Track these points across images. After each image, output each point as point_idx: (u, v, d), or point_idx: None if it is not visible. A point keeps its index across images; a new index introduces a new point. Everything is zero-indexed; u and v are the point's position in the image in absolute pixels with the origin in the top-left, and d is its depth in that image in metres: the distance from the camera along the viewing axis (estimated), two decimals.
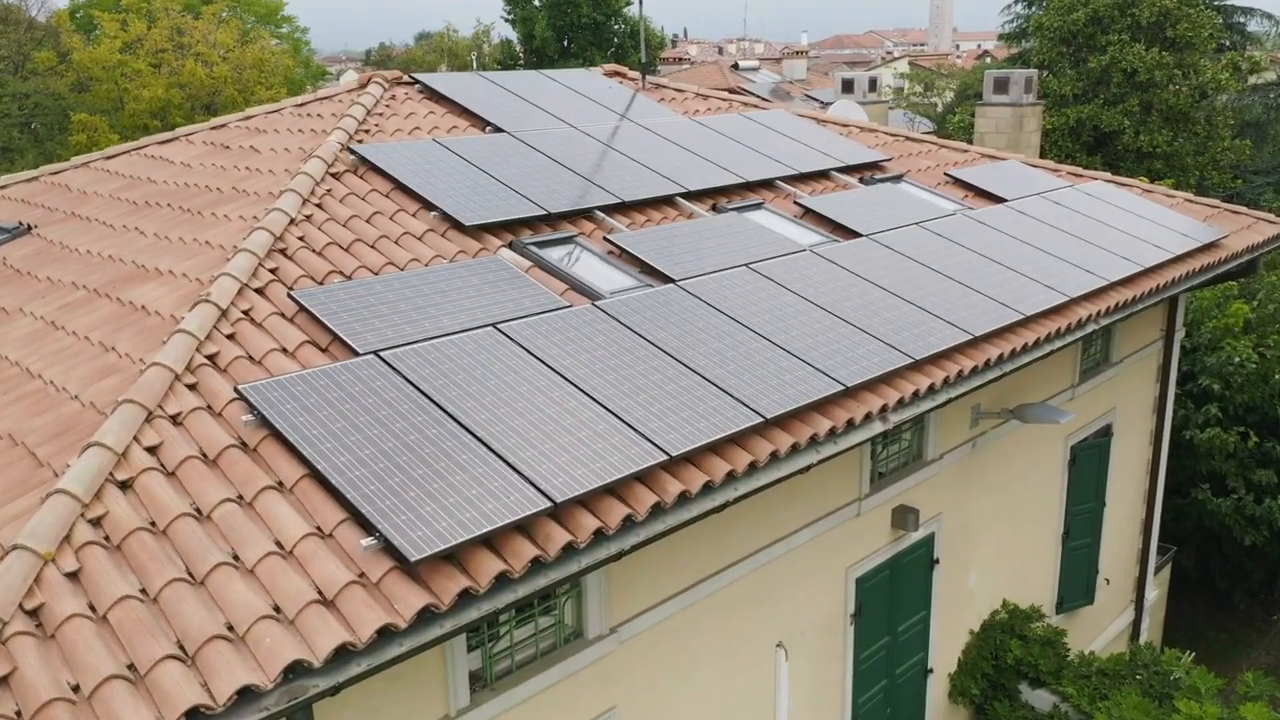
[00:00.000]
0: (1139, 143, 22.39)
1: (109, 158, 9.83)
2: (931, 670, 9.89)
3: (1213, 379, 15.42)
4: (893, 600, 9.24)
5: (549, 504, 5.14)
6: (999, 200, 10.88)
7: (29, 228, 8.69)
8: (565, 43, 40.58)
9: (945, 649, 10.07)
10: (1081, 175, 12.44)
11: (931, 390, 7.29)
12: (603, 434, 5.74)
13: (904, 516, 8.93)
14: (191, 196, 8.26)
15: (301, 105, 9.87)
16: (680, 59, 63.59)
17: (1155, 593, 14.14)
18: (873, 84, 18.25)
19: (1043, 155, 23.42)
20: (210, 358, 5.83)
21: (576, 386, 6.12)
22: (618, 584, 6.69)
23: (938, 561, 9.64)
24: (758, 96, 41.99)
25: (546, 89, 11.01)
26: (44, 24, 27.85)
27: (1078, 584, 11.97)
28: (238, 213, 7.54)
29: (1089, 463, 11.64)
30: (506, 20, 41.81)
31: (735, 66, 47.86)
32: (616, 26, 41.02)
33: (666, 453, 5.73)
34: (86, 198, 8.97)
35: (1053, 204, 10.97)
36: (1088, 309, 8.93)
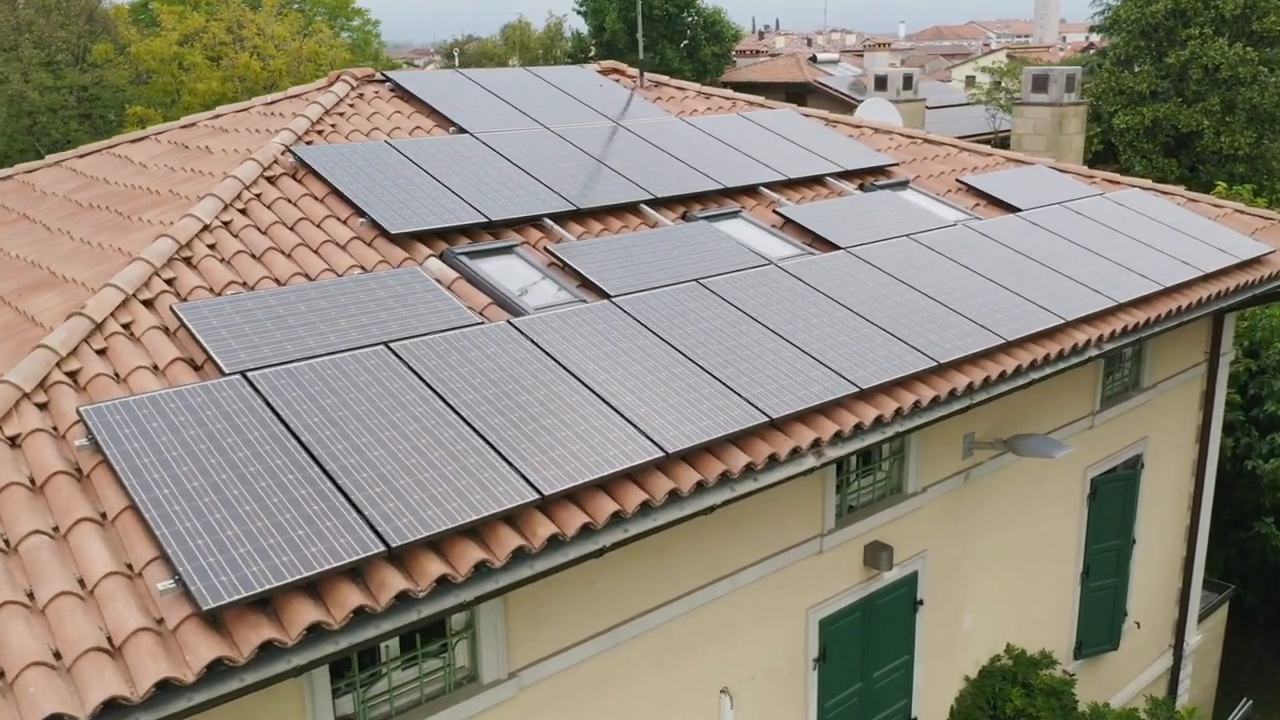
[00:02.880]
0: (1219, 144, 20.77)
1: (81, 156, 9.74)
2: (916, 719, 9.15)
3: None
4: (866, 644, 8.53)
5: (383, 548, 4.69)
6: (1012, 210, 10.01)
7: None
8: (636, 34, 40.14)
9: (933, 697, 9.31)
10: (1118, 182, 11.43)
11: (879, 423, 6.61)
12: (471, 469, 5.27)
13: (876, 554, 8.23)
14: (132, 199, 8.06)
15: (271, 104, 9.62)
16: (758, 51, 62.37)
17: (1200, 637, 12.99)
18: (907, 81, 17.26)
19: (1117, 156, 22.03)
20: (71, 374, 5.55)
21: (458, 414, 5.65)
22: (519, 623, 6.20)
23: (921, 602, 8.89)
24: (835, 90, 40.90)
25: (530, 89, 10.55)
26: (105, 13, 28.58)
27: (1100, 628, 11.02)
28: (160, 217, 7.29)
29: (1113, 496, 10.68)
30: (578, 12, 41.57)
31: (813, 59, 46.61)
32: (689, 18, 40.38)
33: (539, 491, 5.23)
34: (44, 198, 8.88)
35: (1073, 214, 10.06)
36: (1088, 333, 8.08)
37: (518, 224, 7.95)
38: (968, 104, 35.52)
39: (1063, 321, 7.98)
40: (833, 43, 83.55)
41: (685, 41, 40.65)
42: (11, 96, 24.28)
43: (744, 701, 7.66)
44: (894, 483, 8.57)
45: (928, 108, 32.84)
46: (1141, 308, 8.63)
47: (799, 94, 40.11)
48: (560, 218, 8.16)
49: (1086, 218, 10.05)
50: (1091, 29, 33.68)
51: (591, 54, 41.90)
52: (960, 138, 17.30)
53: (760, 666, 7.77)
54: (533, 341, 6.44)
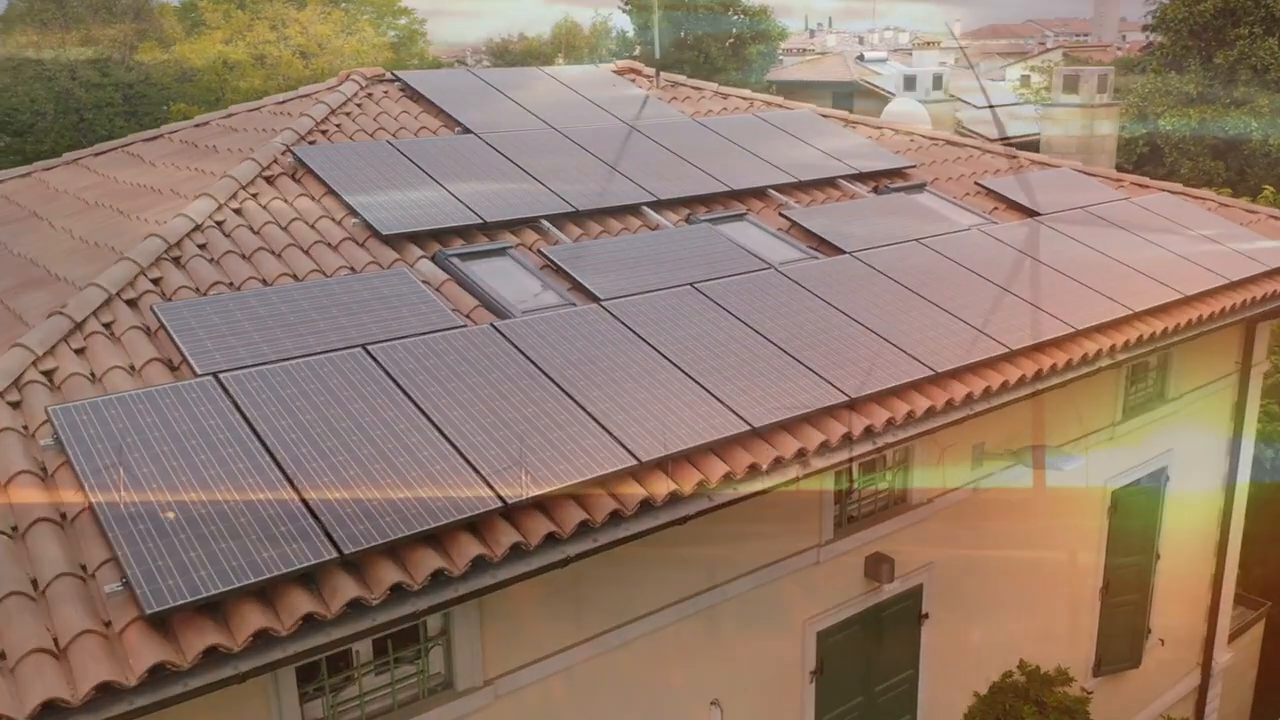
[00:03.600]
0: (1268, 147, 20.08)
1: (97, 154, 9.86)
2: None
3: None
4: (868, 657, 8.34)
5: (336, 555, 4.64)
6: (1031, 214, 9.73)
7: None
8: (681, 33, 39.93)
9: (939, 712, 9.07)
10: (1147, 186, 11.07)
11: (869, 434, 6.43)
12: (436, 475, 5.20)
13: (877, 566, 8.03)
14: (135, 197, 8.13)
15: (282, 103, 9.65)
16: (805, 50, 61.77)
17: (1230, 655, 12.55)
18: (937, 81, 16.92)
19: (1163, 159, 21.41)
20: (47, 374, 5.58)
21: (428, 418, 5.59)
22: (496, 630, 6.12)
23: (926, 616, 8.66)
24: (883, 90, 40.29)
25: (542, 88, 10.48)
26: (151, 11, 29.15)
27: (1120, 644, 10.68)
28: (158, 216, 7.33)
29: (1135, 510, 10.34)
30: (624, 11, 41.53)
31: (861, 58, 46.02)
32: (734, 17, 40.11)
33: (503, 499, 5.15)
34: (56, 196, 8.99)
35: (1095, 219, 9.74)
36: (1100, 342, 7.80)
37: (514, 225, 7.87)
38: (1017, 104, 34.66)
39: (1073, 330, 7.72)
40: (885, 41, 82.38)
41: (730, 39, 40.37)
42: (59, 93, 24.90)
43: (736, 713, 7.51)
44: (898, 493, 8.35)
45: (978, 107, 32.15)
46: (1159, 316, 8.32)
47: (846, 93, 39.58)
48: (558, 219, 8.07)
49: (1109, 222, 9.73)
50: (1144, 28, 32.78)
51: (635, 53, 41.83)
52: (994, 139, 16.86)
53: (754, 678, 7.61)
54: (514, 345, 6.36)
